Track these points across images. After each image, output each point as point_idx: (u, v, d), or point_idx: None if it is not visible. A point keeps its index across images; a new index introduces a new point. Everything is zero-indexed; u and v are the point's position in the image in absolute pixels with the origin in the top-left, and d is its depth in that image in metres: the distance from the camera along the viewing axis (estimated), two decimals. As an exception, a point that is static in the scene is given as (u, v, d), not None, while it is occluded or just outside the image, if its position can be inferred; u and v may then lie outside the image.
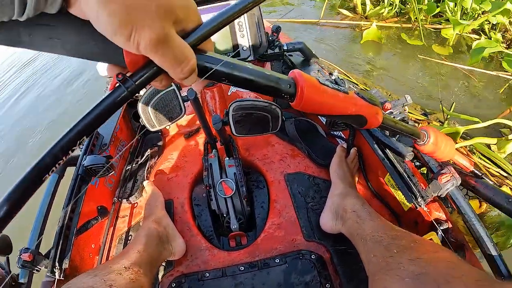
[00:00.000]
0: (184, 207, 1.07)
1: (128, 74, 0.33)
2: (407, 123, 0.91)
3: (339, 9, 3.38)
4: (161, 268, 0.93)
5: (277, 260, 0.90)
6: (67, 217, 0.90)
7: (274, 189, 1.08)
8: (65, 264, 0.83)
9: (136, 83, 0.33)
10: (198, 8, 1.12)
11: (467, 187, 0.83)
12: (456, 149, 0.78)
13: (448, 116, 1.98)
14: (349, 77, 2.47)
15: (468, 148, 1.82)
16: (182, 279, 0.89)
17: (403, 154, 0.84)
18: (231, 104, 0.84)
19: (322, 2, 3.41)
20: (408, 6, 2.93)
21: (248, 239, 1.00)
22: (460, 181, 0.79)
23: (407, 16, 3.07)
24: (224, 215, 1.02)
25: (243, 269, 0.89)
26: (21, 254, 0.77)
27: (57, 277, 0.80)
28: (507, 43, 2.58)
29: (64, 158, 0.32)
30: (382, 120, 0.55)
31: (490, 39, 2.48)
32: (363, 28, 2.99)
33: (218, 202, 1.01)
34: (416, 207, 0.86)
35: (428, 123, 2.00)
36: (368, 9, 3.19)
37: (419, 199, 0.84)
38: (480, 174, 0.83)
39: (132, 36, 0.28)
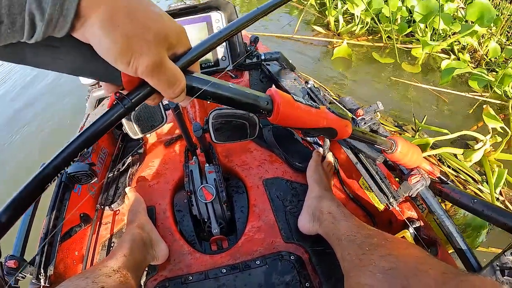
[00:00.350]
0: (166, 213, 1.08)
1: (124, 93, 0.37)
2: (378, 128, 0.97)
3: (312, 26, 3.49)
4: (144, 274, 0.93)
5: (257, 262, 0.92)
6: (51, 224, 0.90)
7: (253, 193, 1.11)
8: (50, 271, 0.83)
9: (132, 101, 0.36)
10: (177, 19, 1.16)
11: (435, 191, 0.88)
12: (423, 157, 0.84)
13: (419, 128, 2.08)
14: (324, 87, 2.56)
15: (437, 158, 1.91)
16: (166, 283, 0.90)
17: (374, 157, 0.89)
18: (211, 112, 0.86)
19: (298, 18, 3.54)
20: (381, 24, 3.05)
21: (229, 243, 1.02)
22: (429, 182, 0.84)
23: (379, 35, 3.20)
24: (205, 220, 1.03)
25: (225, 271, 0.91)
26: (6, 261, 0.77)
27: (42, 283, 0.79)
28: (476, 63, 2.72)
29: (65, 168, 0.35)
30: (352, 131, 0.61)
31: (459, 59, 2.63)
32: (335, 45, 3.10)
33: (199, 207, 1.03)
34: (389, 207, 0.90)
35: (400, 134, 2.09)
36: (341, 26, 3.31)
37: (391, 200, 0.89)
38: (446, 180, 0.89)
39: (131, 62, 0.32)
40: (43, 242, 0.87)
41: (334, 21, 3.39)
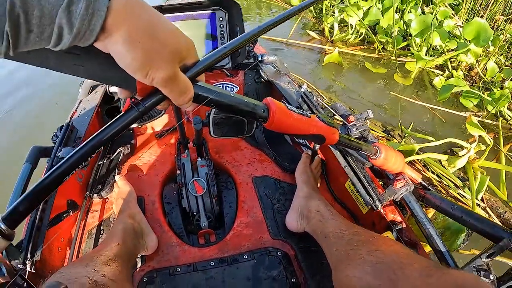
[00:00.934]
0: (155, 204, 1.09)
1: (139, 98, 0.41)
2: (368, 135, 1.00)
3: (308, 31, 3.52)
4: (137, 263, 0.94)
5: (245, 256, 0.94)
6: (40, 209, 0.90)
7: (242, 190, 1.13)
8: (37, 257, 0.82)
9: (146, 106, 0.40)
10: (166, 15, 1.16)
11: (417, 196, 0.92)
12: (406, 163, 0.88)
13: (406, 134, 2.13)
14: (317, 91, 2.60)
15: (422, 163, 1.96)
16: (153, 273, 0.91)
17: (363, 161, 0.92)
18: (213, 108, 0.88)
19: (295, 22, 3.57)
20: (377, 36, 3.08)
21: (217, 237, 1.04)
22: (413, 187, 0.88)
23: (372, 45, 3.23)
24: (194, 213, 1.05)
25: (213, 264, 0.93)
26: None
27: (28, 269, 0.78)
28: (471, 81, 2.75)
29: (82, 164, 0.40)
30: (339, 138, 0.66)
31: (452, 76, 2.68)
32: (327, 52, 3.13)
33: (189, 200, 1.05)
34: (374, 210, 0.94)
35: (388, 140, 2.14)
36: (335, 34, 3.34)
37: (377, 202, 0.92)
38: (427, 185, 0.93)
39: (149, 74, 0.35)
40: (31, 227, 0.86)
41: (329, 29, 3.42)
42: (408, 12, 3.12)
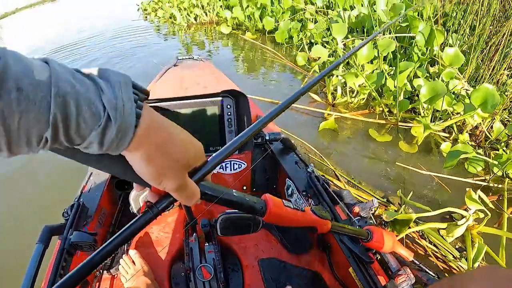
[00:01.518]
0: (163, 283, 1.12)
1: (152, 201, 0.46)
2: (366, 223, 1.05)
3: (310, 93, 3.52)
4: None
5: None
6: None
7: (248, 274, 1.16)
8: None
9: (159, 209, 0.46)
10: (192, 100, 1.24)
11: (419, 282, 0.96)
12: (398, 240, 0.93)
13: (404, 202, 2.18)
14: (325, 162, 2.63)
15: (419, 233, 2.00)
16: None
17: (364, 260, 0.98)
18: (220, 216, 0.94)
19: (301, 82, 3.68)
20: (382, 98, 3.08)
21: None
22: (414, 281, 0.93)
23: (373, 109, 3.23)
24: None
25: None
26: None
27: None
28: (476, 141, 2.74)
29: (102, 263, 0.45)
30: (331, 227, 0.74)
31: (458, 139, 2.70)
32: (326, 117, 3.16)
33: (197, 285, 1.08)
34: None
35: (386, 207, 2.19)
36: (337, 98, 3.37)
37: None
38: (418, 263, 0.98)
39: (161, 184, 0.41)
40: None
41: (332, 92, 3.45)
42: (415, 77, 3.15)
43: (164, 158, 0.39)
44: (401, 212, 2.07)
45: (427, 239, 1.97)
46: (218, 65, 2.70)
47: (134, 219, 0.46)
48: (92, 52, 6.29)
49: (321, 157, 2.69)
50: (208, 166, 0.47)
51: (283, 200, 0.63)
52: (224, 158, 0.50)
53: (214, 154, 0.49)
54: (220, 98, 1.31)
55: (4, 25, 12.93)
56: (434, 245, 1.94)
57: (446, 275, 1.77)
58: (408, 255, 0.96)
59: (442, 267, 1.84)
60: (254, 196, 0.58)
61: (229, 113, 1.32)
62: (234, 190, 0.54)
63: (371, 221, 1.06)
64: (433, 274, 0.99)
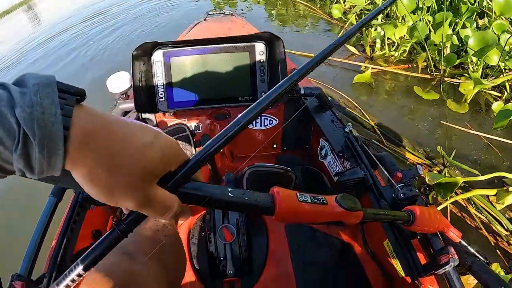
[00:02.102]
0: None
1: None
2: (417, 199, 0.91)
3: (347, 45, 3.25)
4: None
5: None
6: (63, 244, 0.90)
7: (273, 238, 1.09)
8: None
9: (126, 226, 0.39)
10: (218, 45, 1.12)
11: (463, 265, 0.84)
12: (445, 219, 0.80)
13: (448, 163, 1.99)
14: (364, 116, 2.45)
15: (466, 199, 1.83)
16: None
17: (406, 233, 0.85)
18: (248, 169, 0.84)
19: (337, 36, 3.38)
20: (426, 52, 2.78)
21: (243, 286, 1.01)
22: (458, 262, 0.80)
23: (415, 64, 2.95)
24: (221, 258, 1.02)
25: None
26: (13, 281, 0.75)
27: None
28: None
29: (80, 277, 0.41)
30: (363, 216, 0.58)
31: (510, 99, 2.43)
32: (363, 69, 2.93)
33: (217, 246, 1.02)
34: (412, 280, 0.87)
35: (430, 167, 2.02)
36: (376, 50, 3.13)
37: (415, 273, 0.85)
38: (467, 245, 0.85)
39: (118, 204, 0.34)
40: (53, 262, 0.85)
41: (370, 45, 3.20)
42: (462, 27, 2.81)
43: (112, 175, 0.31)
44: (446, 175, 1.89)
45: (473, 206, 1.81)
46: (250, 21, 2.51)
47: (100, 240, 0.40)
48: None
49: (361, 111, 2.50)
50: (193, 161, 0.38)
51: (297, 193, 0.50)
52: (206, 159, 0.39)
53: (195, 154, 0.39)
54: (251, 44, 1.17)
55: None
56: (482, 214, 1.77)
57: (498, 252, 1.61)
58: (455, 237, 0.83)
59: (493, 242, 1.67)
60: (256, 192, 0.46)
61: (261, 60, 1.19)
62: (230, 189, 0.43)
63: (416, 191, 0.92)
64: (482, 258, 0.86)
